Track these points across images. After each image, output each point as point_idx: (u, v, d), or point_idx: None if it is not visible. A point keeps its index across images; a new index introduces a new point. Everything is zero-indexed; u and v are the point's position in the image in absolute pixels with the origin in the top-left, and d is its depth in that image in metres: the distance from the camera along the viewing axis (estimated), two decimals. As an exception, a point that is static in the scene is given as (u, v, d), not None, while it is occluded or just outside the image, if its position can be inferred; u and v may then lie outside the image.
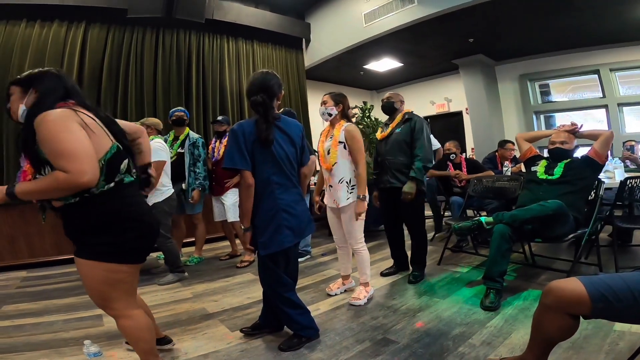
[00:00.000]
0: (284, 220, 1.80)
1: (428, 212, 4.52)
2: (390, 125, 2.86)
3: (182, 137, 3.53)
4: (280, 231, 1.80)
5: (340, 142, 2.36)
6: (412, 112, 2.88)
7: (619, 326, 1.81)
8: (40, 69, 1.40)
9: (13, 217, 3.76)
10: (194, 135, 3.57)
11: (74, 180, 1.15)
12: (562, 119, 6.22)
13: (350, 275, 2.70)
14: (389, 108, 2.90)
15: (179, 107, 3.69)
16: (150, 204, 2.85)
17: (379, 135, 2.94)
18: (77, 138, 1.20)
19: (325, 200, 2.54)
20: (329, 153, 2.39)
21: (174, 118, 3.49)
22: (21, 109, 1.30)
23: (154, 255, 3.89)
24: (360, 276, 2.49)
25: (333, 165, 2.36)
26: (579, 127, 2.71)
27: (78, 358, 1.77)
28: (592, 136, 2.65)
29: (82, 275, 1.37)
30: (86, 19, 4.21)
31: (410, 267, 2.92)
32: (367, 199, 2.36)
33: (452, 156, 4.01)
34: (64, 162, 1.15)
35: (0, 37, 3.79)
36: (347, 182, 2.37)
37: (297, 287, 2.02)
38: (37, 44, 3.94)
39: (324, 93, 2.58)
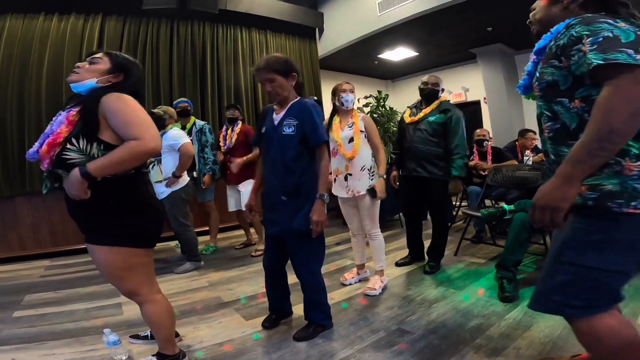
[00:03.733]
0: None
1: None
2: (423, 111, 2.71)
3: (188, 125, 3.56)
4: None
5: (361, 131, 2.37)
6: (448, 101, 2.75)
7: None
8: (136, 60, 1.49)
9: (37, 207, 3.88)
10: (200, 122, 3.60)
11: (145, 145, 1.24)
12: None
13: (365, 265, 2.69)
14: (431, 96, 2.72)
15: (182, 98, 3.72)
16: (167, 193, 2.91)
17: (407, 118, 2.79)
18: (144, 112, 1.33)
19: (335, 191, 2.51)
20: (350, 141, 2.37)
21: (179, 109, 3.51)
22: (90, 82, 1.35)
23: (172, 244, 3.96)
24: (377, 264, 2.48)
25: (357, 153, 2.35)
26: None
27: (98, 347, 1.81)
28: None
29: (100, 263, 1.37)
30: (103, 11, 4.25)
31: (427, 257, 2.89)
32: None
33: (486, 143, 3.91)
34: (136, 129, 1.25)
35: (20, 31, 3.86)
36: (368, 170, 2.38)
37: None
38: (56, 36, 4.00)
39: (337, 82, 2.53)
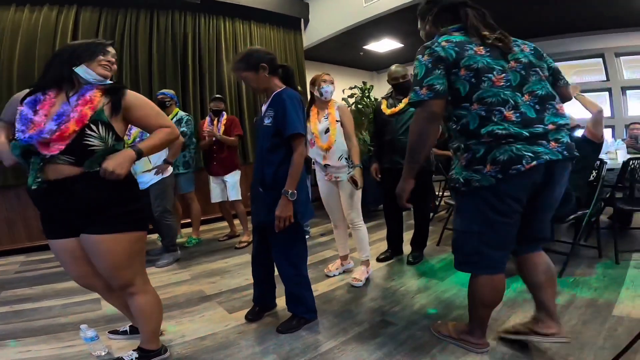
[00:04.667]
0: (307, 190, 1.87)
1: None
2: (403, 101, 2.68)
3: (170, 117, 3.46)
4: (309, 200, 1.88)
5: (337, 120, 2.36)
6: None
7: (617, 311, 1.83)
8: None
9: (10, 201, 3.74)
10: (181, 113, 3.51)
11: (175, 131, 1.46)
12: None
13: (349, 256, 2.70)
14: (406, 87, 2.70)
15: (160, 90, 3.62)
16: (155, 181, 2.92)
17: (386, 109, 2.76)
18: None
19: (319, 179, 2.52)
20: (326, 132, 2.36)
21: (156, 102, 3.42)
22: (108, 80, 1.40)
23: (153, 236, 3.88)
24: (362, 254, 2.49)
25: (333, 144, 2.35)
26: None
27: (76, 343, 1.77)
28: (585, 106, 2.57)
29: (104, 253, 1.33)
30: (77, 2, 4.07)
31: (411, 247, 2.91)
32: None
33: None
34: (163, 119, 1.44)
35: (-10, 22, 3.68)
36: (346, 158, 2.38)
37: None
38: (28, 28, 3.83)
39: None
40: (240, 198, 3.57)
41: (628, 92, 5.77)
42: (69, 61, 1.30)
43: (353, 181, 2.30)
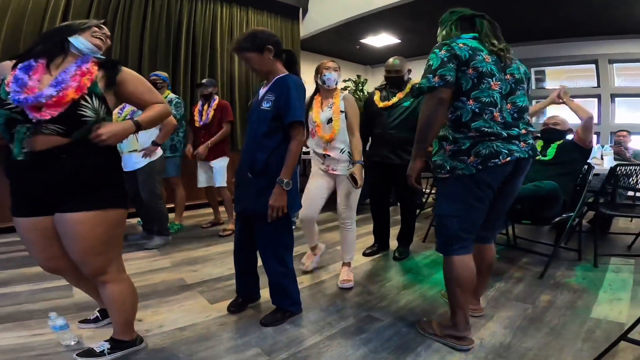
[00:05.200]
0: (297, 181, 1.82)
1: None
2: (397, 95, 2.63)
3: None
4: (297, 192, 1.82)
5: (342, 111, 2.25)
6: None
7: (595, 314, 1.86)
8: None
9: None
10: (171, 95, 3.40)
11: (168, 108, 1.50)
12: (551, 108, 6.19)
13: (317, 243, 2.57)
14: (399, 82, 2.64)
15: (153, 72, 3.50)
16: (143, 164, 2.83)
17: (379, 102, 2.68)
18: None
19: (314, 170, 2.41)
20: (328, 122, 2.25)
21: None
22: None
23: (133, 221, 3.77)
24: (348, 255, 2.39)
25: (335, 135, 2.24)
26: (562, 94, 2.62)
27: (44, 331, 1.66)
28: (575, 111, 2.56)
29: (78, 235, 1.27)
30: (69, -19, 3.86)
31: (397, 242, 2.88)
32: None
33: None
34: (157, 96, 1.47)
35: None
36: (348, 153, 2.26)
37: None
38: (17, 7, 3.59)
39: (317, 65, 2.39)
40: (225, 185, 3.49)
41: (617, 99, 5.87)
42: (63, 31, 1.30)
43: (352, 178, 2.13)
